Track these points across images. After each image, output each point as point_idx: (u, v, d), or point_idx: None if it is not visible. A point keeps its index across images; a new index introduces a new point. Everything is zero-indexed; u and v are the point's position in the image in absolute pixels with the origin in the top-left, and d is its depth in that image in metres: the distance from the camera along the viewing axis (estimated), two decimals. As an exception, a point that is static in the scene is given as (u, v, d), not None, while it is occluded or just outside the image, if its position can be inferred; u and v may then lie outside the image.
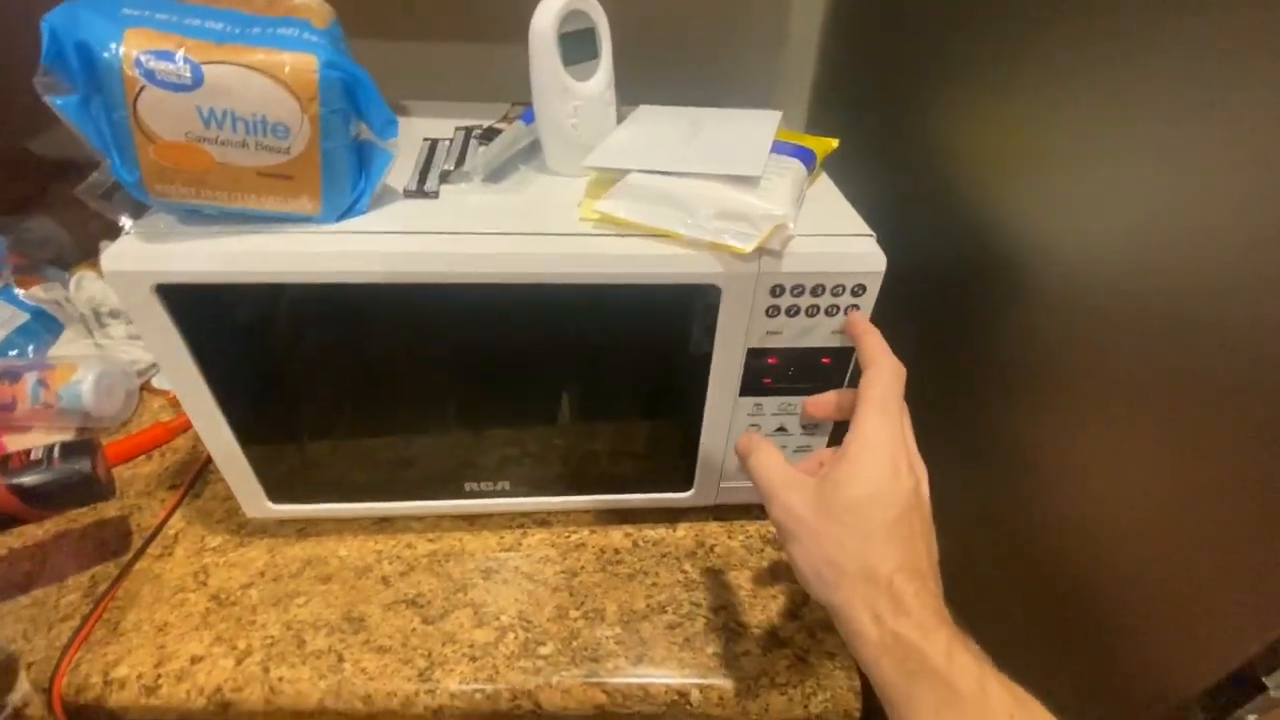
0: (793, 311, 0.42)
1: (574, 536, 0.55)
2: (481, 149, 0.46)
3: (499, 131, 0.49)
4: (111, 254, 0.37)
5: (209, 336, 0.41)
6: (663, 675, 0.46)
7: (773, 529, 0.55)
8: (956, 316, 0.48)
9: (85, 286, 0.68)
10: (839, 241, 0.41)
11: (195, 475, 0.58)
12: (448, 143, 0.50)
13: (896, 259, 0.40)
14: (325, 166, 0.37)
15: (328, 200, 0.38)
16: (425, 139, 0.50)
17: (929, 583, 0.30)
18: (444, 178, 0.45)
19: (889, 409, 0.34)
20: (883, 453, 0.32)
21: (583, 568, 0.52)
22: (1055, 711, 0.26)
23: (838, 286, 0.41)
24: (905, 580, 0.29)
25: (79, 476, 0.44)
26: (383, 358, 0.46)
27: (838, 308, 0.42)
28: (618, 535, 0.55)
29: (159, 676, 0.44)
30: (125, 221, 0.38)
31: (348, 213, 0.40)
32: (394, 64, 0.62)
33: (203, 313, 0.40)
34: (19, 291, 0.65)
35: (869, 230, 0.42)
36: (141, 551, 0.52)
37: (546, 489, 0.53)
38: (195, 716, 0.45)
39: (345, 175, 0.39)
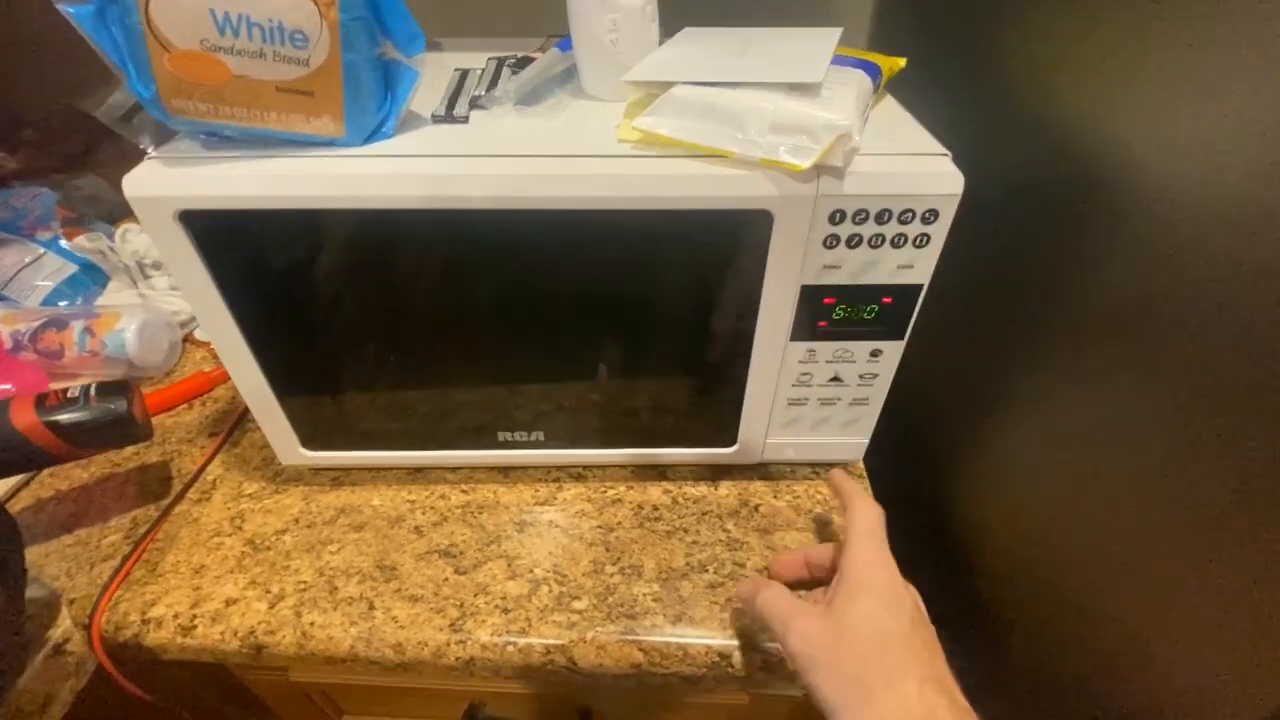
0: (854, 242, 0.38)
1: (610, 492, 0.52)
2: (514, 74, 0.43)
3: (533, 60, 0.46)
4: (133, 179, 0.36)
5: (236, 272, 0.40)
6: (703, 635, 0.43)
7: (824, 491, 0.52)
8: (1040, 257, 0.43)
9: (130, 239, 0.68)
10: (909, 160, 0.37)
11: (234, 424, 0.58)
12: (479, 71, 0.47)
13: (971, 187, 0.36)
14: (347, 81, 0.35)
15: (351, 120, 0.36)
16: (456, 69, 0.48)
17: (955, 693, 0.30)
18: (474, 103, 0.42)
19: (876, 534, 0.36)
20: (880, 573, 0.34)
21: (619, 523, 0.50)
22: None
23: (907, 212, 0.36)
24: (934, 693, 0.29)
25: (114, 415, 0.44)
26: (415, 302, 0.44)
27: (905, 238, 0.38)
28: (656, 491, 0.52)
29: (194, 617, 0.44)
30: (148, 147, 0.37)
31: (373, 135, 0.38)
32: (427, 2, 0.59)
33: (228, 244, 0.38)
34: (65, 243, 0.66)
35: (943, 149, 0.37)
36: (181, 496, 0.52)
37: (582, 441, 0.51)
38: (229, 658, 0.44)
39: (369, 93, 0.36)
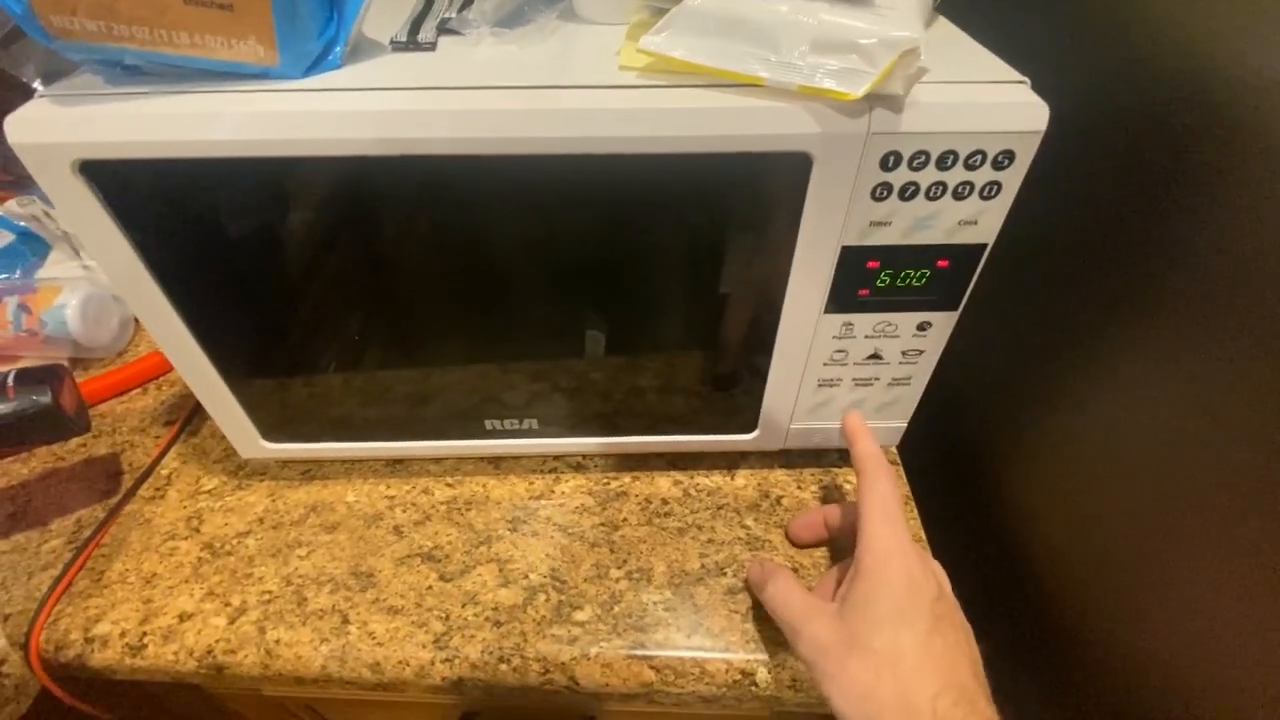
0: (909, 193, 0.31)
1: (614, 484, 0.47)
2: (491, -7, 0.36)
3: (515, -23, 0.38)
4: (17, 121, 0.29)
5: (160, 235, 0.33)
6: (722, 650, 0.38)
7: (854, 481, 0.46)
8: (1120, 207, 0.36)
9: (72, 204, 0.61)
10: (979, 89, 0.30)
11: (192, 410, 0.52)
12: (450, -7, 0.39)
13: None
14: (277, -9, 0.27)
15: (286, 43, 0.29)
16: (421, -10, 0.40)
17: (978, 702, 0.28)
18: (443, 26, 0.35)
19: (892, 515, 0.32)
20: (896, 563, 0.31)
21: (625, 520, 0.44)
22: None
23: (976, 155, 0.30)
24: (950, 706, 0.27)
25: (37, 408, 0.38)
26: (382, 267, 0.37)
27: (971, 187, 0.31)
28: (665, 483, 0.47)
29: (144, 635, 0.39)
30: (34, 81, 0.30)
31: (316, 65, 0.31)
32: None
33: (146, 202, 0.32)
34: (-3, 208, 0.59)
35: (1018, 75, 0.30)
36: (131, 493, 0.46)
37: (582, 428, 0.45)
38: (186, 678, 0.39)
39: (307, 10, 0.29)
